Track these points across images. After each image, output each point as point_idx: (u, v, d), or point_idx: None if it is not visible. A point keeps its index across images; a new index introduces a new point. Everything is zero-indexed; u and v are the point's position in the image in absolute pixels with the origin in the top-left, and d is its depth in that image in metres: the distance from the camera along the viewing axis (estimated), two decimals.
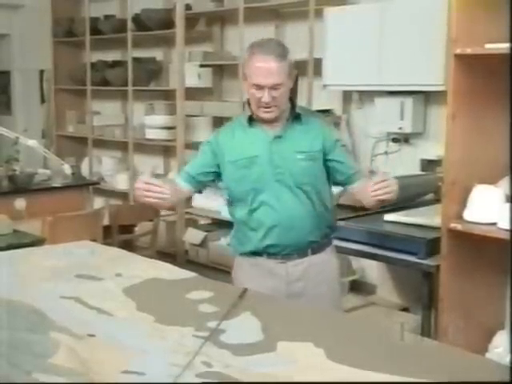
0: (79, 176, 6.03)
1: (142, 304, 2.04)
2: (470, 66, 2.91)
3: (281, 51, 2.32)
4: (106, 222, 4.27)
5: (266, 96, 2.31)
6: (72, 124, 6.92)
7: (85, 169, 6.69)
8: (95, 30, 6.42)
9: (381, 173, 2.35)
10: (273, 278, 2.49)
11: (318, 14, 4.66)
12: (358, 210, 3.51)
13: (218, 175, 2.52)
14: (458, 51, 2.88)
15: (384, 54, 4.28)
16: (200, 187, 2.57)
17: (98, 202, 6.45)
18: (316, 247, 2.50)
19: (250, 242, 2.50)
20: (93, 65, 6.58)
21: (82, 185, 5.19)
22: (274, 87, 2.31)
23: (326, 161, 2.46)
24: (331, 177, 2.50)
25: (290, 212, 2.41)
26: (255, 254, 2.51)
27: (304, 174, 2.41)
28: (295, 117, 2.44)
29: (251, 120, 2.45)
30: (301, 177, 2.40)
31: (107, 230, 4.26)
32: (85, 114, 6.75)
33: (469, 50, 2.85)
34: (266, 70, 2.29)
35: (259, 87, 2.32)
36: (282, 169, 2.40)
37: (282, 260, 2.48)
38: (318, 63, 4.72)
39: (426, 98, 4.42)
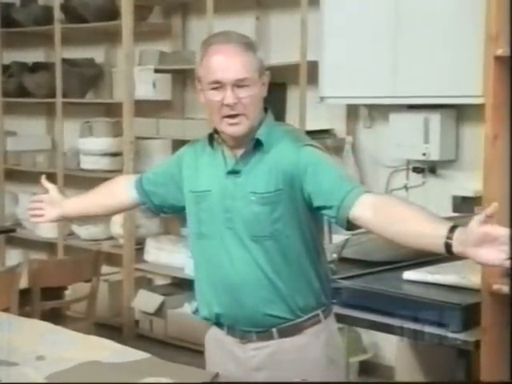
0: None
1: None
2: None
3: (246, 41, 2.36)
4: (23, 283, 4.23)
5: (228, 95, 2.30)
6: None
7: None
8: (8, 21, 6.43)
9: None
10: (233, 361, 2.50)
11: (313, 0, 4.73)
12: (368, 265, 3.52)
13: (175, 198, 2.60)
14: (500, 52, 2.93)
15: (401, 55, 4.34)
16: (144, 199, 2.68)
17: (13, 257, 6.41)
18: (286, 327, 2.45)
19: (200, 304, 2.54)
20: (5, 68, 6.58)
21: None
22: (238, 84, 2.30)
23: (306, 199, 2.36)
24: (323, 217, 2.45)
25: (239, 273, 2.40)
26: (214, 323, 2.54)
27: (258, 223, 2.37)
28: (257, 143, 2.40)
29: (212, 139, 2.47)
30: (255, 226, 2.37)
31: (25, 294, 4.22)
32: None
33: None
34: (225, 61, 2.30)
35: (219, 86, 2.31)
36: (233, 214, 2.39)
37: (242, 339, 2.48)
38: (312, 68, 4.77)
39: (459, 113, 4.48)
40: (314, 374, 2.47)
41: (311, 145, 2.41)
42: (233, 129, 2.36)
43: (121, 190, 2.79)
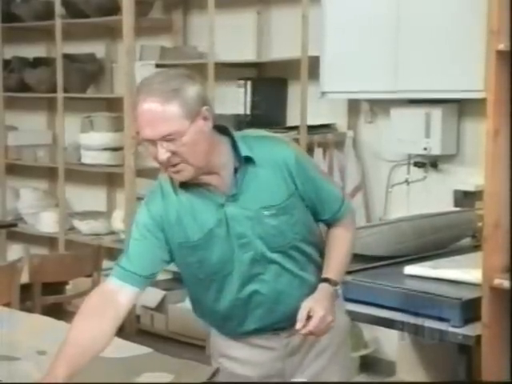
0: None
1: None
2: None
3: (170, 86, 2.20)
4: (25, 278, 4.23)
5: (160, 152, 2.20)
6: None
7: None
8: (9, 16, 6.42)
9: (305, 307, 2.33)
10: (264, 352, 2.52)
11: None
12: (369, 260, 3.52)
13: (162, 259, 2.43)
14: (502, 47, 2.93)
15: (402, 49, 4.33)
16: (151, 280, 2.47)
17: (14, 251, 6.41)
18: None
19: (222, 329, 2.53)
20: (6, 63, 6.57)
21: None
22: (166, 139, 2.19)
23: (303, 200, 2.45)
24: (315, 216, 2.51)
25: (271, 286, 2.42)
26: (236, 336, 2.53)
27: (279, 235, 2.38)
28: (245, 160, 2.33)
29: (183, 182, 2.35)
30: (275, 239, 2.38)
31: (27, 289, 4.22)
32: None
33: None
34: (147, 118, 2.19)
35: (150, 142, 2.22)
36: (247, 237, 2.36)
37: (273, 333, 2.50)
38: (313, 63, 4.77)
39: (460, 108, 4.48)
40: (340, 347, 2.61)
41: (291, 143, 2.50)
42: (177, 176, 2.29)
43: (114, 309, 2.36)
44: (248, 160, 2.33)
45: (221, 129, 2.35)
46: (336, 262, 2.49)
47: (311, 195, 2.43)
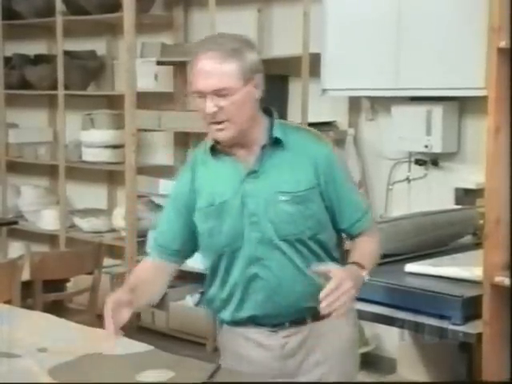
0: None
1: None
2: None
3: (233, 46, 2.31)
4: (26, 275, 4.23)
5: (208, 105, 2.29)
6: None
7: None
8: (10, 13, 6.43)
9: (337, 272, 2.26)
10: (258, 348, 2.51)
11: None
12: None
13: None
14: (503, 44, 2.93)
15: (403, 47, 4.33)
16: (188, 255, 2.58)
17: (15, 249, 6.41)
18: (318, 313, 2.49)
19: (223, 311, 2.53)
20: (7, 60, 6.58)
21: None
22: (217, 93, 2.28)
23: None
24: (334, 224, 2.50)
25: (274, 274, 2.41)
26: (235, 323, 2.53)
27: (292, 222, 2.38)
28: (274, 142, 2.40)
29: (214, 150, 2.43)
30: (287, 226, 2.38)
31: (27, 286, 4.23)
32: None
33: None
34: (204, 70, 2.29)
35: (200, 95, 2.31)
36: (258, 217, 2.38)
37: (272, 329, 2.49)
38: (314, 60, 4.77)
39: (461, 105, 4.48)
40: (344, 355, 2.56)
41: (330, 144, 2.50)
42: (219, 134, 2.35)
43: (161, 272, 2.59)
44: (278, 142, 2.39)
45: (265, 109, 2.45)
46: (362, 253, 2.45)
47: (332, 197, 2.43)
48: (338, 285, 2.20)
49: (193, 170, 2.49)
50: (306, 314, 2.48)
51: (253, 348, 2.51)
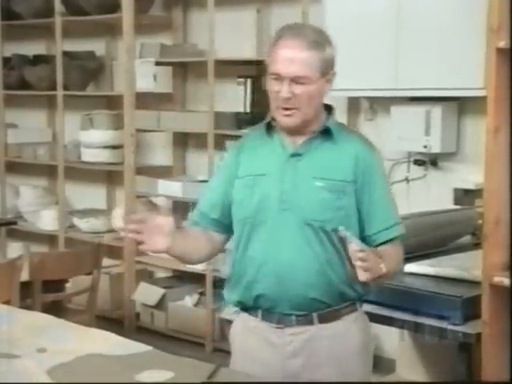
0: None
1: None
2: None
3: (316, 38, 2.41)
4: (25, 276, 4.23)
5: (284, 90, 2.38)
6: None
7: None
8: (9, 13, 6.42)
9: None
10: (269, 347, 2.52)
11: None
12: None
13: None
14: (502, 44, 2.93)
15: (402, 47, 4.33)
16: (226, 230, 2.59)
17: (14, 249, 6.41)
18: (326, 313, 2.50)
19: (236, 287, 2.54)
20: (6, 60, 6.58)
21: None
22: (295, 80, 2.38)
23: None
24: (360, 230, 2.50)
25: (292, 255, 2.43)
26: (246, 308, 2.54)
27: (321, 209, 2.41)
28: (325, 132, 2.49)
29: (270, 128, 2.53)
30: (315, 211, 2.41)
31: (27, 287, 4.23)
32: None
33: None
34: (287, 56, 2.38)
35: (278, 78, 2.40)
36: (291, 196, 2.43)
37: (279, 324, 2.49)
38: None
39: (460, 106, 4.47)
40: (348, 360, 2.54)
41: (377, 151, 2.59)
42: (285, 119, 2.44)
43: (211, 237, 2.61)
44: (328, 133, 2.48)
45: (326, 106, 2.56)
46: (385, 253, 2.44)
47: (364, 200, 2.47)
48: (369, 254, 2.27)
49: (242, 144, 2.60)
50: (313, 309, 2.48)
51: (264, 347, 2.52)
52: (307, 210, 2.42)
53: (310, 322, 2.49)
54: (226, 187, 2.55)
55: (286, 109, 2.41)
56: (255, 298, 2.49)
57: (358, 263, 2.25)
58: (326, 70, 2.43)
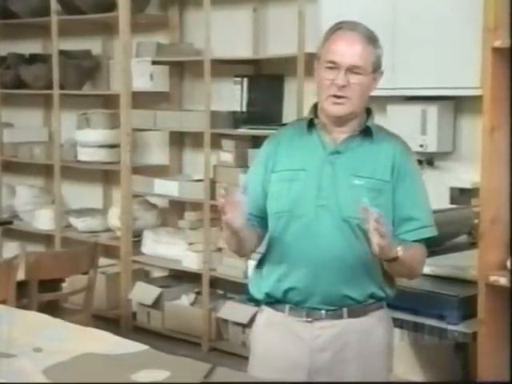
0: None
1: None
2: None
3: (371, 35, 2.50)
4: (21, 275, 4.23)
5: (340, 77, 2.42)
6: None
7: None
8: (5, 12, 6.41)
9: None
10: (296, 341, 2.53)
11: None
12: None
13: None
14: (498, 44, 2.93)
15: (399, 46, 4.33)
16: (262, 223, 2.60)
17: (10, 249, 6.40)
18: (355, 308, 2.52)
19: (266, 280, 2.56)
20: (2, 59, 6.57)
21: None
22: (352, 69, 2.43)
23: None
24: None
25: (328, 250, 2.45)
26: (273, 301, 2.55)
27: (355, 207, 2.40)
28: (365, 131, 2.53)
29: (311, 125, 2.56)
30: (352, 208, 2.41)
31: (23, 286, 4.22)
32: None
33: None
34: (346, 46, 2.45)
35: (334, 66, 2.44)
36: (328, 192, 2.46)
37: (308, 318, 2.51)
38: (310, 60, 4.75)
39: (457, 105, 4.47)
40: (373, 357, 2.57)
41: (414, 154, 2.66)
42: (336, 108, 2.47)
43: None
44: (368, 133, 2.53)
45: (366, 108, 2.60)
46: (408, 245, 2.46)
47: (398, 198, 2.50)
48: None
49: (280, 138, 2.64)
50: (343, 304, 2.50)
51: (285, 339, 2.54)
52: (345, 207, 2.45)
53: (340, 317, 2.51)
54: (262, 178, 2.58)
55: (338, 97, 2.45)
56: (285, 291, 2.52)
57: (373, 225, 2.25)
58: (378, 66, 2.51)
